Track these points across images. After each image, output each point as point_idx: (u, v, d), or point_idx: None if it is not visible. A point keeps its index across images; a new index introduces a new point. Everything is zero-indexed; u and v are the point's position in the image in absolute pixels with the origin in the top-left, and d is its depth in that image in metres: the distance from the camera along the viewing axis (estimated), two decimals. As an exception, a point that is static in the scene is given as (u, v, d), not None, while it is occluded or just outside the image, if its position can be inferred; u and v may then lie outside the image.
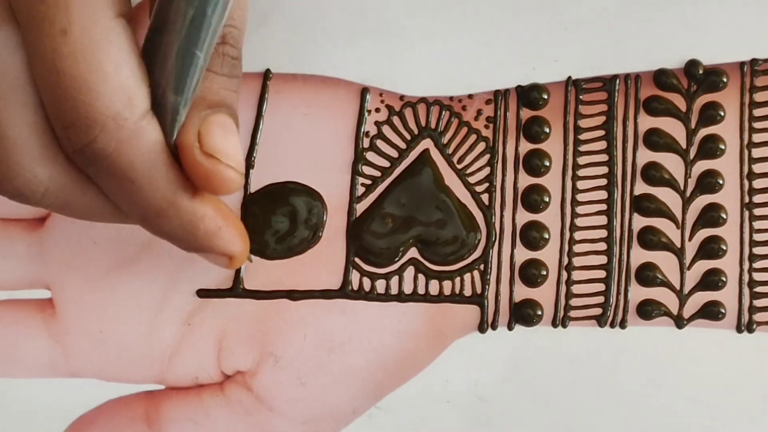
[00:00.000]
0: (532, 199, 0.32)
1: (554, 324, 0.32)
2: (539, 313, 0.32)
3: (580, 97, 0.33)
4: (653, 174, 0.32)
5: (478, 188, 0.33)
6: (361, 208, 0.33)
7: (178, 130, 0.26)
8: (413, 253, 0.32)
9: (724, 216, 0.32)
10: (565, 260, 0.32)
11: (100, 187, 0.26)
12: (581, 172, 0.32)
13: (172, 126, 0.26)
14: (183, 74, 0.25)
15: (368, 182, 0.33)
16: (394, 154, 0.33)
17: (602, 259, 0.32)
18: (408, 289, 0.32)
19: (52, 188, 0.26)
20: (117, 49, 0.24)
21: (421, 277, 0.32)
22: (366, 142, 0.33)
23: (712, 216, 0.32)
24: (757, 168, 0.32)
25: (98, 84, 0.24)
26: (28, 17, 0.24)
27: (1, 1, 0.24)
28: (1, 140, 0.24)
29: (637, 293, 0.32)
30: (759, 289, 0.32)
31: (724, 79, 0.32)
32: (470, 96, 0.33)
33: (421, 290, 0.32)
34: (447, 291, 0.32)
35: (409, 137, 0.33)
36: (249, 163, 0.33)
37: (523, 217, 0.32)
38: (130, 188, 0.25)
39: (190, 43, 0.25)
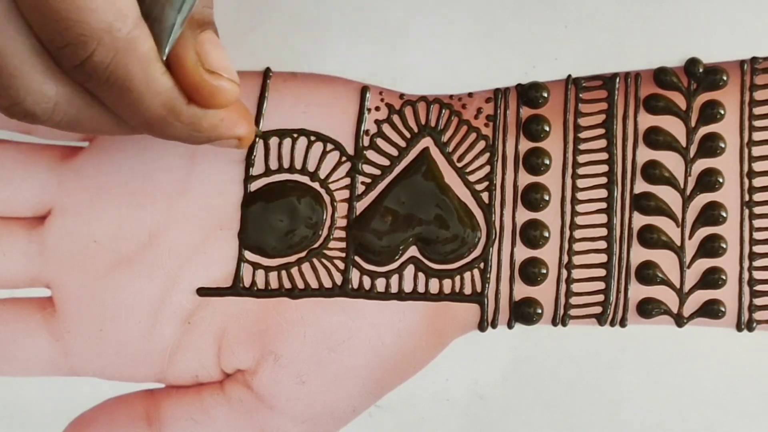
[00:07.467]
0: (532, 198, 0.32)
1: (554, 322, 0.32)
2: (539, 311, 0.32)
3: (580, 95, 0.33)
4: (653, 172, 0.32)
5: (478, 187, 0.33)
6: (361, 206, 0.33)
7: (171, 46, 0.27)
8: (413, 251, 0.32)
9: (724, 214, 0.32)
10: (565, 258, 0.32)
11: (103, 100, 0.27)
12: (581, 171, 0.32)
13: (166, 42, 0.26)
14: None
15: (368, 180, 0.33)
16: (394, 152, 0.33)
17: (602, 258, 0.32)
18: (408, 287, 0.32)
19: (60, 103, 0.27)
20: None
21: (421, 276, 0.32)
22: (366, 141, 0.33)
23: (712, 214, 0.32)
24: (757, 166, 0.32)
25: (88, 1, 0.24)
26: None
27: None
28: (5, 68, 0.25)
29: (637, 292, 0.32)
30: (759, 287, 0.32)
31: (725, 78, 0.32)
32: (470, 94, 0.33)
33: (421, 289, 0.32)
34: (447, 289, 0.32)
35: (409, 136, 0.33)
36: (249, 161, 0.33)
37: (523, 215, 0.32)
38: (130, 98, 0.26)
39: None
